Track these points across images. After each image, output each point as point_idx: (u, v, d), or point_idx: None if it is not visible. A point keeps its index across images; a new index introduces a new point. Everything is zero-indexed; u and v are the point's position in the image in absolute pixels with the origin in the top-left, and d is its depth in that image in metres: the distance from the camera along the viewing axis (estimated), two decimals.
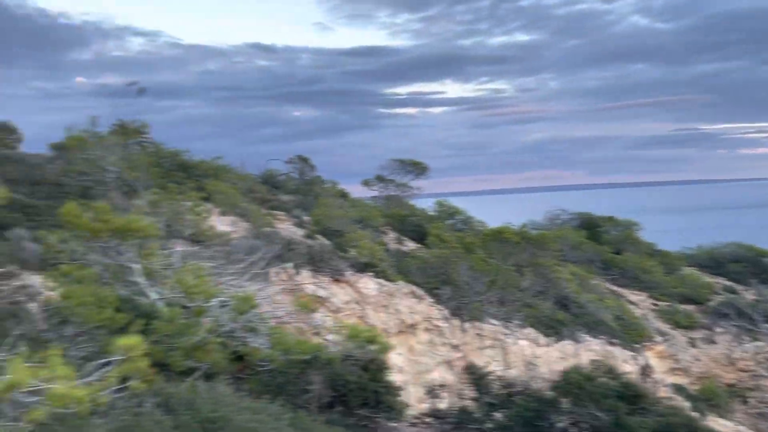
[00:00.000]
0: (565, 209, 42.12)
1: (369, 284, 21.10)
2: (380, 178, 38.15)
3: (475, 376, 19.60)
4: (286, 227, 25.32)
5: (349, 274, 20.93)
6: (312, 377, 9.02)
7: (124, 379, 4.58)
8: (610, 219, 40.39)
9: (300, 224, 26.34)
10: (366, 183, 38.25)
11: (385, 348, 10.71)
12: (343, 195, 35.45)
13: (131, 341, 4.87)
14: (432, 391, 16.54)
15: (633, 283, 33.10)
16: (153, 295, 9.42)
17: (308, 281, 19.74)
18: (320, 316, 18.01)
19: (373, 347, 10.36)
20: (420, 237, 29.40)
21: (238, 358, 8.94)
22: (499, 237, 25.71)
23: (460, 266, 22.54)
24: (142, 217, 10.61)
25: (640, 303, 31.00)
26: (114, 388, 4.49)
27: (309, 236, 24.31)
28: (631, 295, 31.68)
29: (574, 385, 18.48)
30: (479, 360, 21.53)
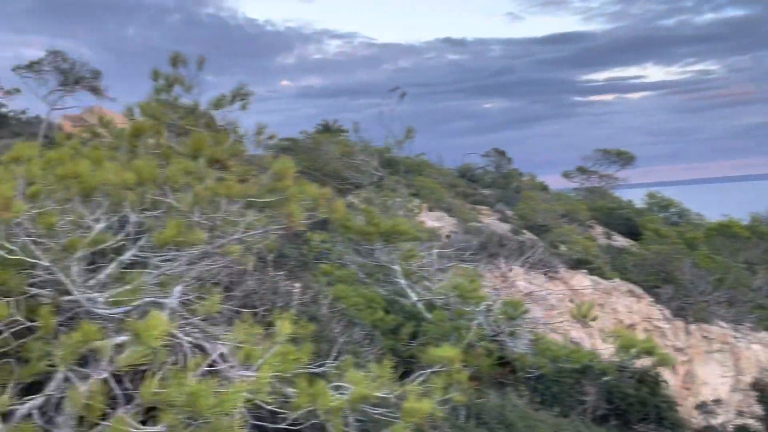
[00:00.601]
0: None
1: (584, 282, 20.26)
2: (582, 170, 36.66)
3: (765, 393, 17.37)
4: (492, 222, 25.04)
5: (563, 271, 20.23)
6: (587, 388, 8.66)
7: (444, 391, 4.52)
8: None
9: (504, 219, 25.96)
10: (566, 175, 36.97)
11: (665, 360, 10.02)
12: (543, 188, 34.55)
13: (449, 352, 4.80)
14: (704, 406, 15.34)
15: None
16: (413, 297, 9.52)
17: (521, 278, 19.33)
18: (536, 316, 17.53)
19: (651, 359, 9.74)
20: (630, 231, 27.84)
21: (501, 363, 8.79)
22: (725, 231, 23.55)
23: (683, 263, 20.96)
24: (405, 220, 10.81)
25: None
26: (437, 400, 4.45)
27: (515, 231, 23.85)
28: None
29: None
30: (706, 366, 19.94)
